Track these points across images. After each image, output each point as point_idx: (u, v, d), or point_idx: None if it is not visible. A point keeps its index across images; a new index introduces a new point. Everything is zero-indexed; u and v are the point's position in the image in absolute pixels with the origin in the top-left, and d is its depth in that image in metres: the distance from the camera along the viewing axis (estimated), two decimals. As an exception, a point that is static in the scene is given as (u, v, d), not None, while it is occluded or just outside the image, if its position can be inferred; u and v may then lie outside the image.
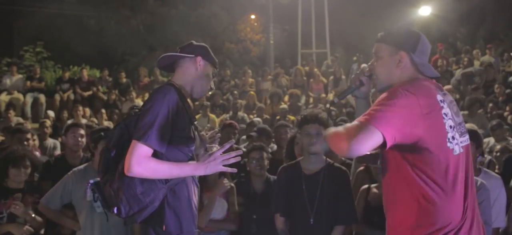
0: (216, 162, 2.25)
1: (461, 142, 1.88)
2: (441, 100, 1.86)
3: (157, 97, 2.22)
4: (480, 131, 4.02)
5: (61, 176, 3.77)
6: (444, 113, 1.84)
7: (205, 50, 2.46)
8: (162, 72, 14.33)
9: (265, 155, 3.82)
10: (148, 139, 2.14)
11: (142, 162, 2.13)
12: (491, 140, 6.23)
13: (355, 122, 1.78)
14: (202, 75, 2.42)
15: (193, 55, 2.39)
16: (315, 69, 12.65)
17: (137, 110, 2.37)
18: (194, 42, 2.48)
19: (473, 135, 3.47)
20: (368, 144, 1.71)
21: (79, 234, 3.45)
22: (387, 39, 2.03)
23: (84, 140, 4.13)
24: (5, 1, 15.47)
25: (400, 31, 2.06)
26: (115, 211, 2.23)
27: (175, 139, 2.26)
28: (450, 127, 1.84)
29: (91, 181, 2.32)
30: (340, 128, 1.79)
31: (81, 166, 3.60)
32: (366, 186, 3.43)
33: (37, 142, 5.83)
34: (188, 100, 2.48)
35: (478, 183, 2.86)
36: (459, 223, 1.84)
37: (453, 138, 1.84)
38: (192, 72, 2.40)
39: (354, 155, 1.76)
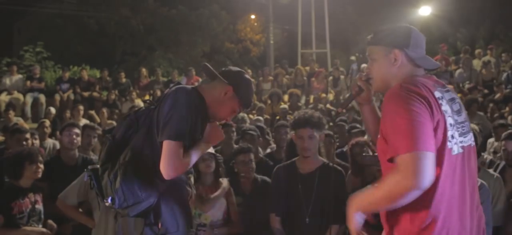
0: (217, 133, 2.36)
1: (460, 142, 1.80)
2: (439, 97, 1.80)
3: (182, 95, 2.19)
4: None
5: (57, 176, 3.77)
6: (444, 110, 1.78)
7: (242, 87, 2.39)
8: (163, 73, 14.34)
9: (252, 156, 3.81)
10: (180, 136, 2.12)
11: (178, 166, 2.12)
12: (491, 140, 6.21)
13: (403, 156, 1.65)
14: (222, 102, 2.37)
15: (226, 82, 2.36)
16: (322, 69, 12.61)
17: (149, 104, 2.33)
18: (244, 75, 2.43)
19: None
20: (431, 169, 1.64)
21: (94, 232, 3.45)
22: (378, 40, 1.98)
23: (79, 139, 4.15)
24: (5, 1, 15.48)
25: (390, 29, 1.98)
26: (109, 201, 2.20)
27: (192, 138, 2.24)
28: (450, 124, 1.77)
29: (90, 167, 2.32)
30: (392, 175, 1.68)
31: None
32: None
33: (38, 142, 5.80)
34: None
35: (478, 183, 2.83)
36: (458, 228, 1.76)
37: (452, 136, 1.77)
38: (216, 95, 2.35)
39: (427, 187, 1.63)
